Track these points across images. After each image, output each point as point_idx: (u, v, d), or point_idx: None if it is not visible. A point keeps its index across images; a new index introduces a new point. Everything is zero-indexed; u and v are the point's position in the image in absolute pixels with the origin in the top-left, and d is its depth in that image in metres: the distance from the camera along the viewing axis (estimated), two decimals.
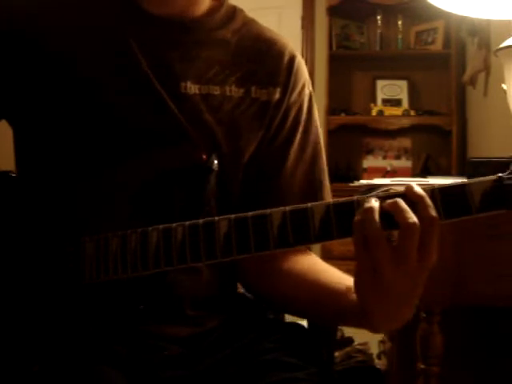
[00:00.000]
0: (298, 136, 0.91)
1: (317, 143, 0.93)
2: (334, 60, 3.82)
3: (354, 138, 3.90)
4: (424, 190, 0.66)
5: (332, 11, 3.83)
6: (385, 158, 3.88)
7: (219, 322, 0.89)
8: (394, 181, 1.82)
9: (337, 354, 2.19)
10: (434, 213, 0.65)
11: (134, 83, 0.83)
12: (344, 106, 3.86)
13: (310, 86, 0.95)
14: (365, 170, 3.85)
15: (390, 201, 0.66)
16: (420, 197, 0.65)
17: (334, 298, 0.79)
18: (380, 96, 3.89)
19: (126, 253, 0.72)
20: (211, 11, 0.89)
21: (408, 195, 0.66)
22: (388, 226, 0.65)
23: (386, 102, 3.85)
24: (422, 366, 1.24)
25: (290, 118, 0.91)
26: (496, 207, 0.65)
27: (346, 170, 3.81)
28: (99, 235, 0.74)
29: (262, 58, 0.90)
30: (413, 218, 0.64)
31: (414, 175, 3.55)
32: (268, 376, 0.78)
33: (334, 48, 3.86)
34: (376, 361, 2.29)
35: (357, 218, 0.65)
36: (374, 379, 2.18)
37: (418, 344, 1.23)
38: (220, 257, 0.69)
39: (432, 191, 0.66)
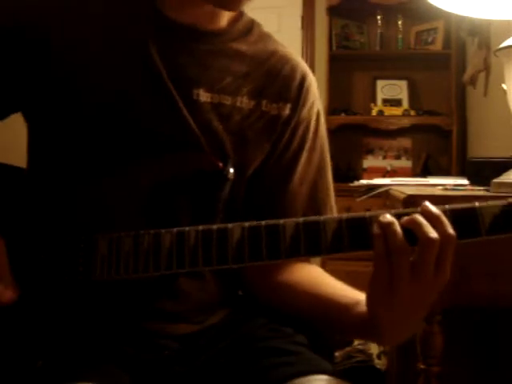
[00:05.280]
0: (305, 154, 0.92)
1: (322, 161, 0.94)
2: (334, 60, 3.82)
3: (354, 138, 3.90)
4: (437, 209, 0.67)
5: (332, 11, 3.83)
6: (385, 157, 3.88)
7: (218, 320, 0.90)
8: (394, 181, 1.82)
9: (337, 354, 2.19)
10: (451, 230, 0.66)
11: (149, 84, 0.83)
12: (344, 106, 3.86)
13: (319, 103, 0.96)
14: (365, 170, 3.85)
15: (407, 217, 0.67)
16: (437, 215, 0.67)
17: (338, 311, 0.80)
18: (380, 96, 3.88)
19: (139, 253, 0.72)
20: (230, 23, 0.91)
21: (424, 213, 0.67)
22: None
23: (386, 102, 3.85)
24: (422, 366, 1.24)
25: (298, 135, 0.92)
26: (505, 231, 0.67)
27: (346, 170, 3.81)
28: (112, 234, 0.74)
29: (275, 74, 0.91)
30: (433, 232, 0.66)
31: (414, 175, 3.54)
32: (260, 362, 0.78)
33: (334, 48, 3.86)
34: (376, 361, 2.29)
35: (377, 231, 0.67)
36: (374, 379, 2.18)
37: (418, 344, 1.23)
38: (231, 263, 0.70)
39: (444, 212, 0.67)
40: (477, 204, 0.67)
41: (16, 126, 0.94)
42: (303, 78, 0.94)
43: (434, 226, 0.66)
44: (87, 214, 0.77)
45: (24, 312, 0.76)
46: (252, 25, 0.93)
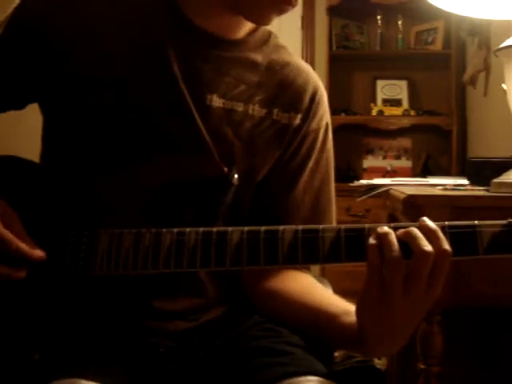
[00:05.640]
0: (310, 164, 0.93)
1: (326, 173, 0.96)
2: (334, 60, 3.81)
3: (354, 138, 3.90)
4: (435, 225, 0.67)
5: (332, 11, 3.82)
6: (385, 157, 3.88)
7: (214, 317, 0.91)
8: (394, 181, 1.82)
9: (337, 353, 2.19)
10: (447, 246, 0.66)
11: (163, 86, 0.84)
12: (344, 106, 3.86)
13: (328, 117, 0.98)
14: (365, 170, 3.85)
15: (403, 229, 0.67)
16: (433, 230, 0.67)
17: (327, 320, 0.80)
18: (380, 96, 3.88)
19: (139, 250, 0.73)
20: (249, 33, 0.92)
21: (422, 227, 0.67)
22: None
23: (386, 102, 3.85)
24: (422, 366, 1.24)
25: (306, 145, 0.93)
26: (503, 251, 0.67)
27: (346, 170, 3.81)
28: (114, 230, 0.75)
29: (288, 84, 0.93)
30: (428, 246, 0.65)
31: (414, 175, 3.54)
32: (252, 361, 0.78)
33: (334, 48, 3.86)
34: (376, 361, 2.29)
35: (373, 242, 0.67)
36: (374, 379, 2.18)
37: (418, 344, 1.23)
38: (229, 265, 0.71)
39: (442, 228, 0.67)
40: (476, 222, 0.67)
41: (18, 127, 0.95)
42: (315, 91, 0.95)
43: (430, 241, 0.66)
44: (92, 211, 0.78)
45: (22, 304, 0.77)
46: (269, 36, 0.95)
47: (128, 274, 0.74)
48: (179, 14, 0.86)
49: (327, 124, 0.97)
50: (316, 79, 0.98)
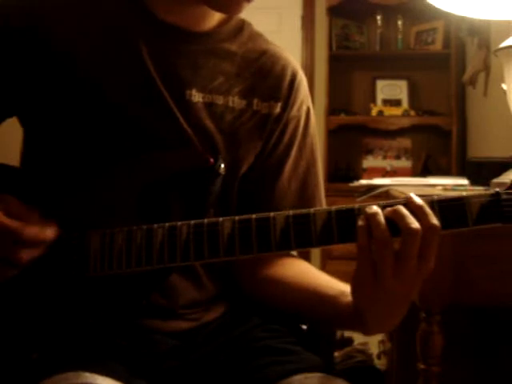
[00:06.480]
0: (294, 151, 0.93)
1: (311, 158, 0.95)
2: (334, 60, 3.82)
3: (353, 138, 3.90)
4: (423, 200, 0.68)
5: (332, 11, 3.83)
6: (385, 158, 3.88)
7: (215, 316, 0.91)
8: (394, 181, 1.82)
9: (337, 354, 2.19)
10: (434, 221, 0.67)
11: (140, 86, 0.84)
12: (344, 106, 3.86)
13: (308, 101, 0.97)
14: (364, 170, 3.85)
15: (390, 208, 0.68)
16: (420, 206, 0.67)
17: (325, 302, 0.81)
18: (380, 96, 3.89)
19: (131, 248, 0.74)
20: (221, 23, 0.91)
21: (408, 204, 0.68)
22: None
23: (385, 101, 3.85)
24: (422, 366, 1.23)
25: (288, 133, 0.93)
26: (492, 221, 0.68)
27: (345, 170, 3.82)
28: (105, 230, 0.75)
29: (265, 73, 0.92)
30: (415, 223, 0.66)
31: (414, 175, 3.55)
32: (255, 361, 0.79)
33: (334, 48, 3.86)
34: (376, 361, 2.29)
35: (361, 222, 0.67)
36: (374, 379, 2.18)
37: (418, 344, 1.23)
38: (223, 256, 0.71)
39: (431, 202, 0.68)
40: (464, 194, 0.68)
41: (13, 126, 0.94)
42: (293, 76, 0.94)
43: (418, 217, 0.67)
44: (81, 213, 0.78)
45: (20, 305, 0.77)
46: (242, 24, 0.94)
47: (123, 273, 0.74)
48: (146, 12, 0.86)
49: (308, 109, 0.96)
50: (294, 65, 0.96)
